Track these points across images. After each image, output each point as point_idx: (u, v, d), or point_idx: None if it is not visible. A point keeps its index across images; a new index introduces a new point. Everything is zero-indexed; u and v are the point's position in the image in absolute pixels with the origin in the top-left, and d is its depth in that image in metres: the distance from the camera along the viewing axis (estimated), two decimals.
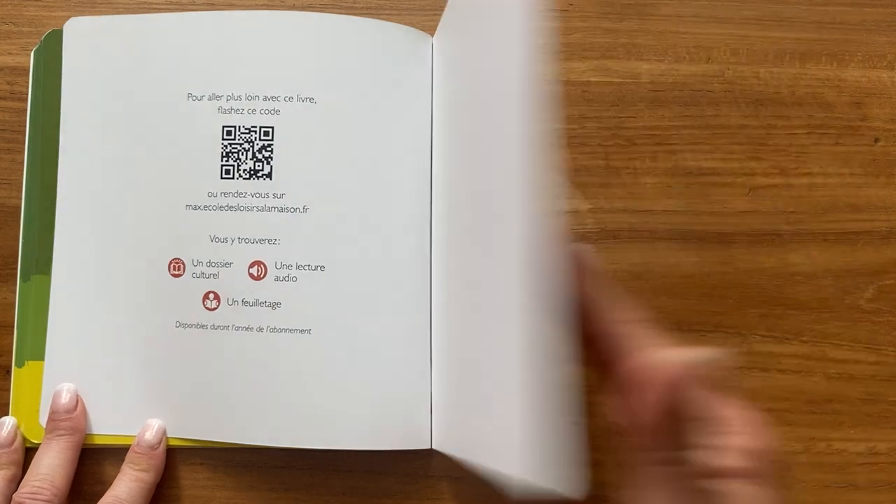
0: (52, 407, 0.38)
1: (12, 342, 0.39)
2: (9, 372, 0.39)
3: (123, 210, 0.39)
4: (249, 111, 0.39)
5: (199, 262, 0.38)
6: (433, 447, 0.38)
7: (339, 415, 0.38)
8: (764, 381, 0.41)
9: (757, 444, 0.26)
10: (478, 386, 0.31)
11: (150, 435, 0.38)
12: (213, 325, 0.38)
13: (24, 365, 0.39)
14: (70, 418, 0.37)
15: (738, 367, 0.41)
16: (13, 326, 0.39)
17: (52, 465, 0.36)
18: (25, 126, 0.40)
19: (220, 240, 0.38)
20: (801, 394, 0.41)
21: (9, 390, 0.39)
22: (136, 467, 0.37)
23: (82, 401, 0.38)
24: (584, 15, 0.43)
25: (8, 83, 0.41)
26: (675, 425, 0.27)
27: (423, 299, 0.39)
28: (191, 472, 0.40)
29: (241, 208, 0.38)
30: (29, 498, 0.35)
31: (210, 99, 0.39)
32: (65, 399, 0.38)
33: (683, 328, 0.41)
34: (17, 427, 0.38)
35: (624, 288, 0.41)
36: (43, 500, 0.35)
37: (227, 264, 0.38)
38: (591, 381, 0.41)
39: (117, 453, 0.39)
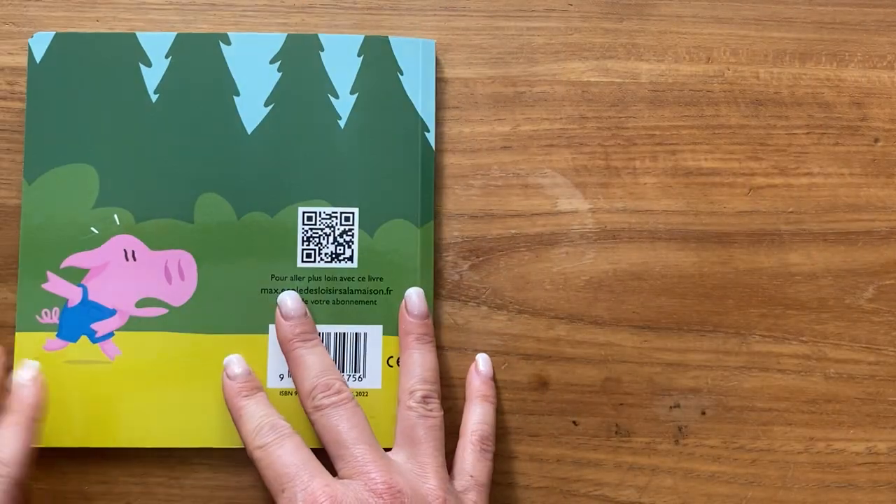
0: (12, 381, 0.37)
1: (13, 342, 0.39)
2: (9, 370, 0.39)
3: None
4: None
5: None
6: None
7: None
8: (764, 381, 0.41)
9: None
10: None
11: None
12: None
13: None
14: (25, 394, 0.36)
15: (737, 367, 0.41)
16: (13, 327, 0.39)
17: (2, 440, 0.35)
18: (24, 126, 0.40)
19: None
20: (801, 394, 0.41)
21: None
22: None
23: (42, 377, 0.38)
24: (584, 15, 0.43)
25: (8, 83, 0.41)
26: None
27: None
28: (191, 472, 0.40)
29: None
30: None
31: None
32: (24, 375, 0.37)
33: (683, 328, 0.41)
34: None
35: (623, 288, 0.41)
36: None
37: None
38: (590, 382, 0.41)
39: (125, 453, 0.39)
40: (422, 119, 0.40)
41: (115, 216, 0.39)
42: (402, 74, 0.40)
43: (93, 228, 0.39)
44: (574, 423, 0.41)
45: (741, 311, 0.41)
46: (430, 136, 0.41)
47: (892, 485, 0.41)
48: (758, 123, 0.43)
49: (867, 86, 0.43)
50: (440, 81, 0.42)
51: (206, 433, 0.39)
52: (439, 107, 0.42)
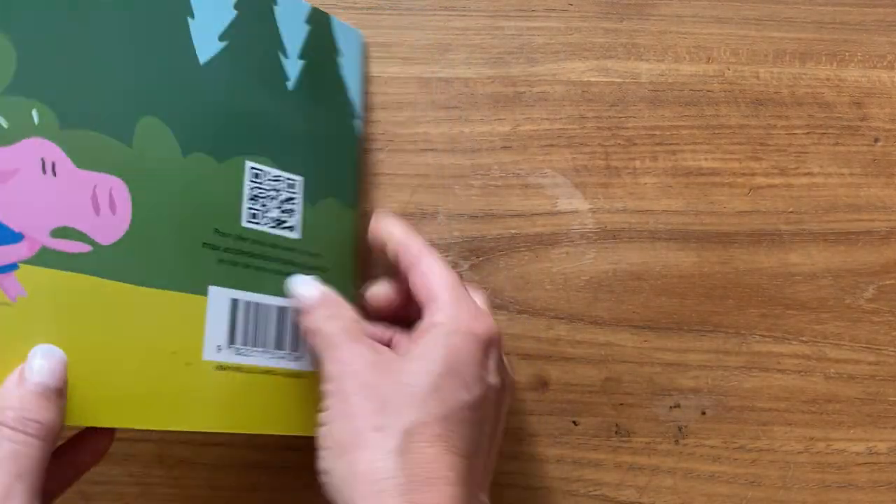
0: None
1: None
2: None
3: None
4: None
5: None
6: None
7: None
8: (764, 381, 0.41)
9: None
10: None
11: None
12: None
13: None
14: None
15: (737, 367, 0.41)
16: None
17: None
18: None
19: None
20: (801, 394, 0.41)
21: None
22: None
23: None
24: (584, 15, 0.43)
25: None
26: None
27: None
28: (191, 472, 0.40)
29: None
30: None
31: None
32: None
33: (683, 328, 0.41)
34: None
35: (623, 288, 0.41)
36: None
37: None
38: (590, 382, 0.41)
39: (125, 452, 0.39)
40: (353, 104, 0.40)
41: (35, 112, 0.29)
42: (339, 56, 0.40)
43: (0, 119, 0.29)
44: (574, 423, 0.41)
45: (741, 311, 0.41)
46: (359, 124, 0.40)
47: (892, 485, 0.41)
48: (758, 123, 0.43)
49: (867, 86, 0.43)
50: (442, 81, 0.42)
51: (134, 409, 0.31)
52: (440, 106, 0.42)
